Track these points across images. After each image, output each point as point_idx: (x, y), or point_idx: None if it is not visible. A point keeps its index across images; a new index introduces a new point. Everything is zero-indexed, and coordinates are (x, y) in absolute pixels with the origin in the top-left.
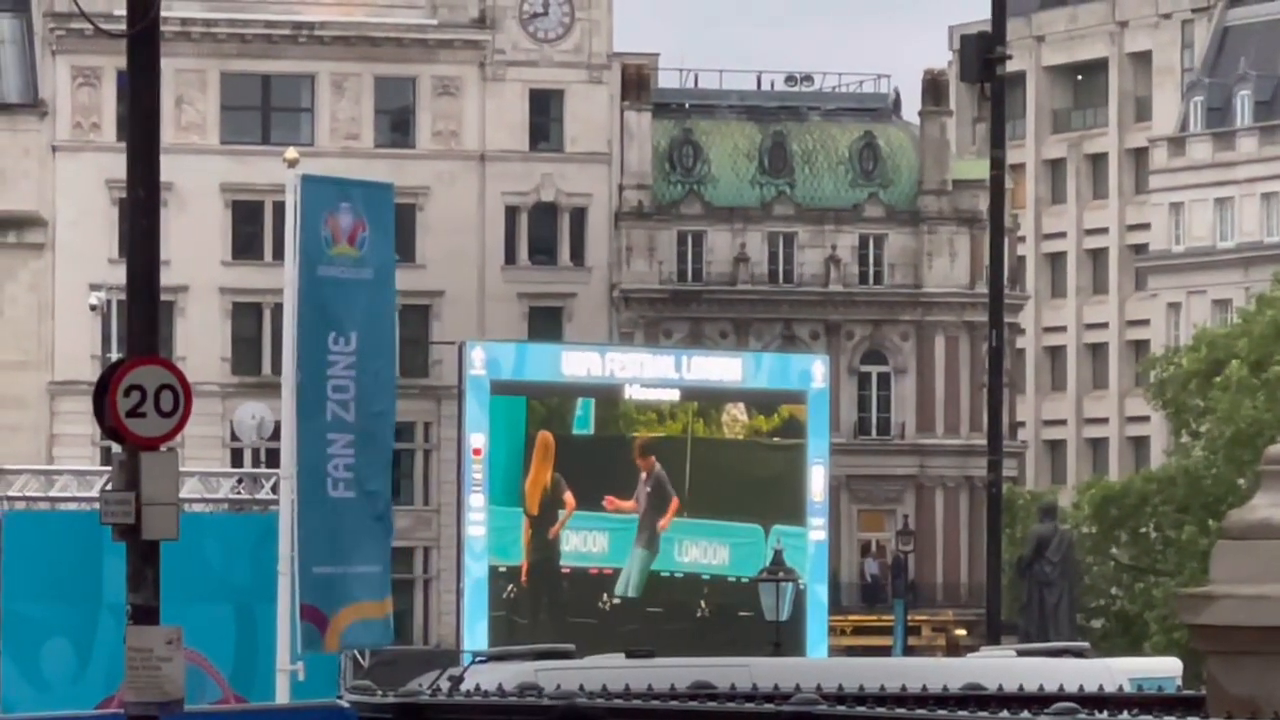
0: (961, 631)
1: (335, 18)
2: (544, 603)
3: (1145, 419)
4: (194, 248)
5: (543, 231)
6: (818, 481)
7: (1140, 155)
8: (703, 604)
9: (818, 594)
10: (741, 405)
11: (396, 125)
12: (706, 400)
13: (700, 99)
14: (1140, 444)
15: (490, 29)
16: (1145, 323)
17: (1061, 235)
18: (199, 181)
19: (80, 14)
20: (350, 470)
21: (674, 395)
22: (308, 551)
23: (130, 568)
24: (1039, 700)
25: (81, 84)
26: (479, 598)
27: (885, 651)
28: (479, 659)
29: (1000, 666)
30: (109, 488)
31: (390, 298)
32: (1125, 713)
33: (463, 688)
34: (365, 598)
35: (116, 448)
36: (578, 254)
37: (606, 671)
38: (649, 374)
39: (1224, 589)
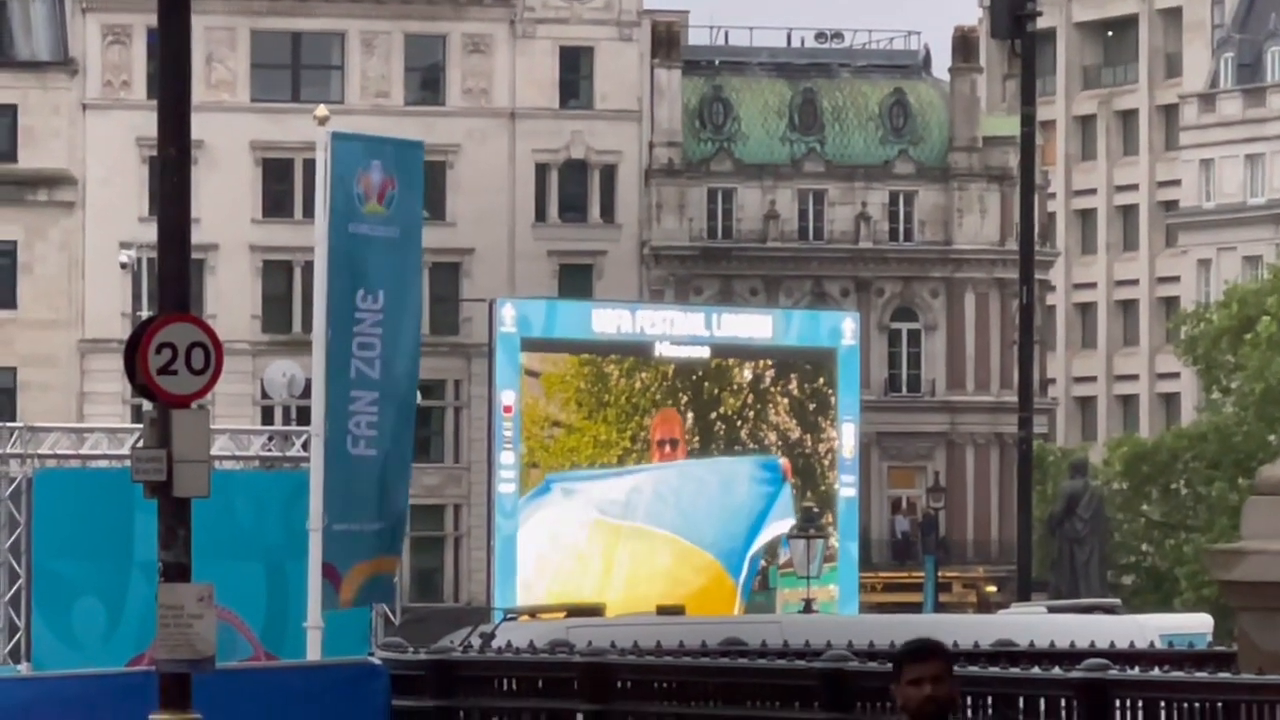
0: (992, 588)
1: None
2: None
3: (1176, 375)
4: (224, 206)
5: (573, 189)
6: (848, 439)
7: (1170, 111)
8: None
9: (849, 551)
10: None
11: (427, 83)
12: (736, 357)
13: (730, 56)
14: (1171, 400)
15: None
16: (1176, 279)
17: (1092, 192)
18: (229, 140)
19: None
20: (373, 428)
21: (704, 352)
22: (330, 509)
23: (162, 525)
24: (1070, 656)
25: (112, 42)
26: (509, 555)
27: (916, 608)
28: (510, 616)
29: (1031, 623)
30: (140, 445)
31: (417, 256)
32: (1156, 669)
33: (494, 645)
34: (379, 554)
35: (147, 405)
36: (608, 211)
37: (637, 629)
38: (679, 331)
39: (1255, 545)
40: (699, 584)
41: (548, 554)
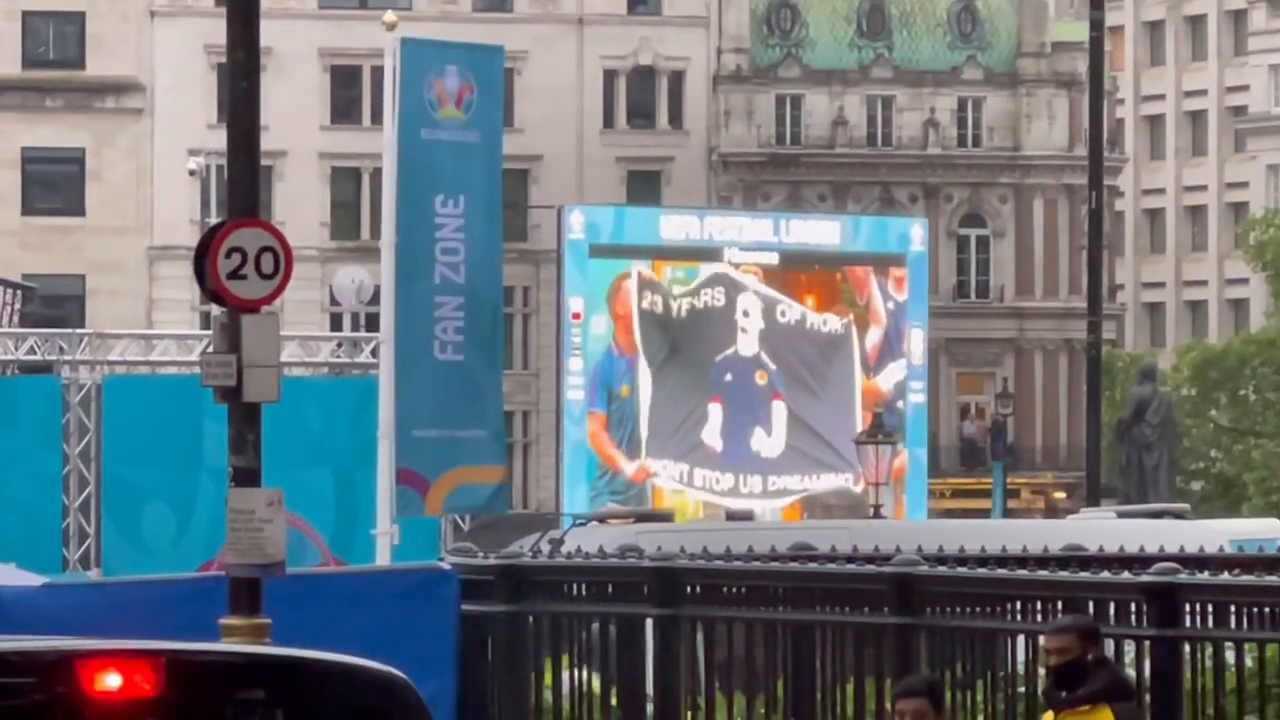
0: (1060, 494)
1: None
2: None
3: (1244, 281)
4: (292, 113)
5: (641, 95)
6: (916, 344)
7: (1239, 16)
8: None
9: (917, 457)
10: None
11: None
12: (805, 264)
13: None
14: (1239, 306)
15: None
16: (1244, 185)
17: (1160, 97)
18: (297, 46)
19: None
20: (460, 333)
21: (773, 258)
22: (408, 415)
23: (232, 430)
24: (1140, 561)
25: None
26: (578, 461)
27: (984, 514)
28: (579, 522)
29: (1100, 528)
30: (210, 350)
31: (497, 161)
32: (1226, 573)
33: (563, 550)
34: (473, 462)
35: (217, 310)
36: (676, 118)
37: (707, 534)
38: (747, 237)
39: None
40: None
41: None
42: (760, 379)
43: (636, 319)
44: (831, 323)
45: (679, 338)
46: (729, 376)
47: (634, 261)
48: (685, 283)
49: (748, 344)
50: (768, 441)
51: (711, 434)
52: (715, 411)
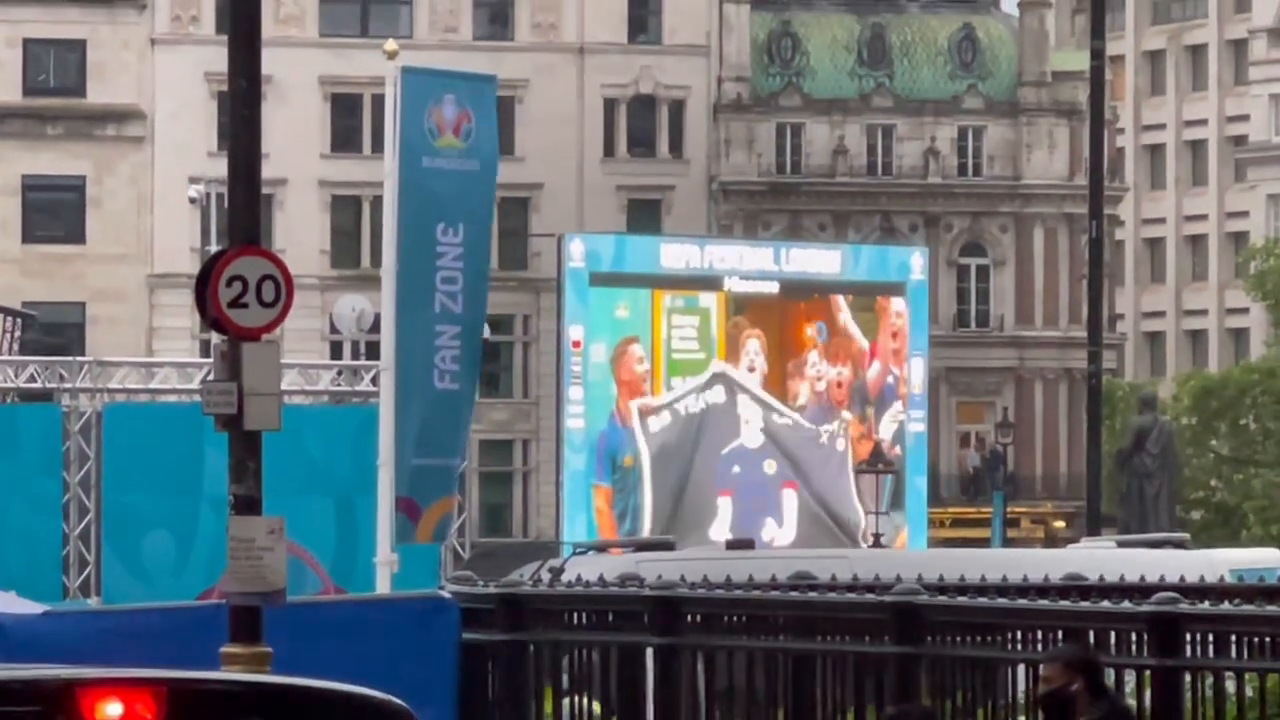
0: (1061, 523)
1: None
2: None
3: (1245, 310)
4: (293, 141)
5: (641, 124)
6: (917, 374)
7: (1240, 46)
8: None
9: (917, 485)
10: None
11: (495, 17)
12: (805, 293)
13: None
14: (1240, 335)
15: None
16: (1245, 214)
17: (1161, 127)
18: (298, 75)
19: None
20: (456, 362)
21: (773, 287)
22: (407, 443)
23: (232, 458)
24: (1140, 590)
25: None
26: (579, 490)
27: (984, 543)
28: (580, 550)
29: (1101, 558)
30: (210, 378)
31: (492, 190)
32: (1227, 603)
33: (563, 579)
34: (452, 491)
35: (217, 338)
36: (676, 146)
37: (707, 563)
38: (748, 266)
39: None
40: None
41: None
42: (769, 468)
43: (640, 434)
44: (826, 430)
45: (681, 440)
46: (737, 469)
47: (634, 315)
48: (685, 311)
49: (752, 436)
50: (779, 532)
51: (720, 530)
52: (725, 506)
